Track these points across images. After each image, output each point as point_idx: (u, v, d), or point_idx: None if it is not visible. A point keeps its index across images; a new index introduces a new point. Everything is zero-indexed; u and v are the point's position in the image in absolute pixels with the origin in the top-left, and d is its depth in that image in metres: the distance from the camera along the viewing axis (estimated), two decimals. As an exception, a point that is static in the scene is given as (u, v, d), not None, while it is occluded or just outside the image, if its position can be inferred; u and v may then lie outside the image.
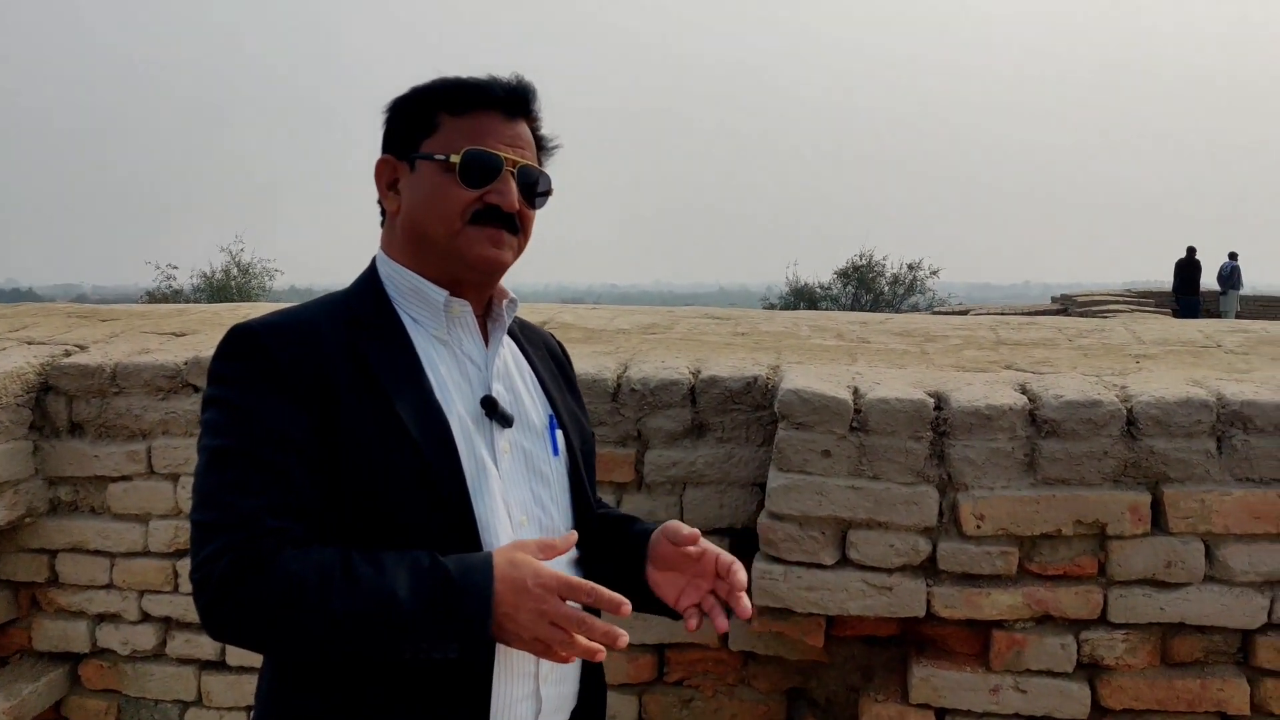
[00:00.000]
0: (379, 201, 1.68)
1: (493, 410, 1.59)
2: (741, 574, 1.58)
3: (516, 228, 1.62)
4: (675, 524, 1.64)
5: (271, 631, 1.38)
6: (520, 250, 1.66)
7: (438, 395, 1.55)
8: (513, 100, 1.64)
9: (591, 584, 1.40)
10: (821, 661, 3.06)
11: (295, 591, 1.35)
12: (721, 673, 3.17)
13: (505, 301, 1.70)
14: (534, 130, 1.68)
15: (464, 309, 1.63)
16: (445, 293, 1.61)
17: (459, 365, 1.62)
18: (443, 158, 1.58)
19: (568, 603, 1.38)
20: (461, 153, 1.57)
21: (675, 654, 3.19)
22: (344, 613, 1.35)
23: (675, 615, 1.67)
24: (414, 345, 1.59)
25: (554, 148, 1.73)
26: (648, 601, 1.67)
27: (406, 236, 1.63)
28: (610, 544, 1.74)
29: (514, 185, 1.60)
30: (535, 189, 1.65)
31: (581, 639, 1.37)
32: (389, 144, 1.66)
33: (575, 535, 1.54)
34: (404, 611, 1.36)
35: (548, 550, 1.46)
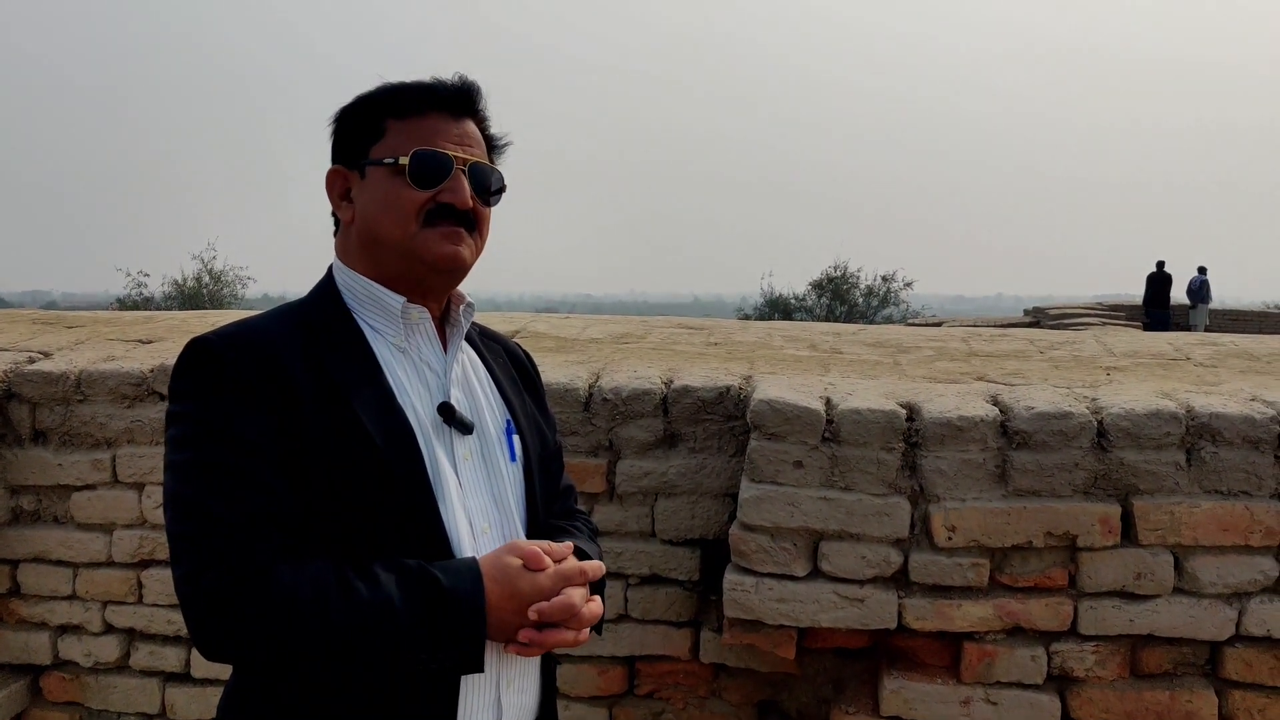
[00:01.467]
0: (333, 213, 1.68)
1: (450, 417, 1.58)
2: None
3: (473, 225, 1.62)
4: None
5: (268, 646, 1.37)
6: (478, 250, 1.65)
7: (398, 400, 1.55)
8: (458, 99, 1.64)
9: (580, 566, 1.57)
10: (793, 674, 3.05)
11: (292, 605, 1.35)
12: (692, 685, 3.16)
13: (462, 306, 1.69)
14: (483, 129, 1.68)
15: (422, 315, 1.62)
16: (402, 299, 1.60)
17: (418, 372, 1.61)
18: (391, 161, 1.57)
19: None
20: (410, 154, 1.57)
21: (646, 666, 3.17)
22: (342, 626, 1.36)
23: None
24: (373, 352, 1.58)
25: (504, 145, 1.73)
26: None
27: (362, 243, 1.62)
28: None
29: (466, 183, 1.59)
30: (488, 187, 1.64)
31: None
32: (338, 154, 1.66)
33: (570, 546, 1.60)
34: (401, 623, 1.38)
35: (535, 561, 1.51)
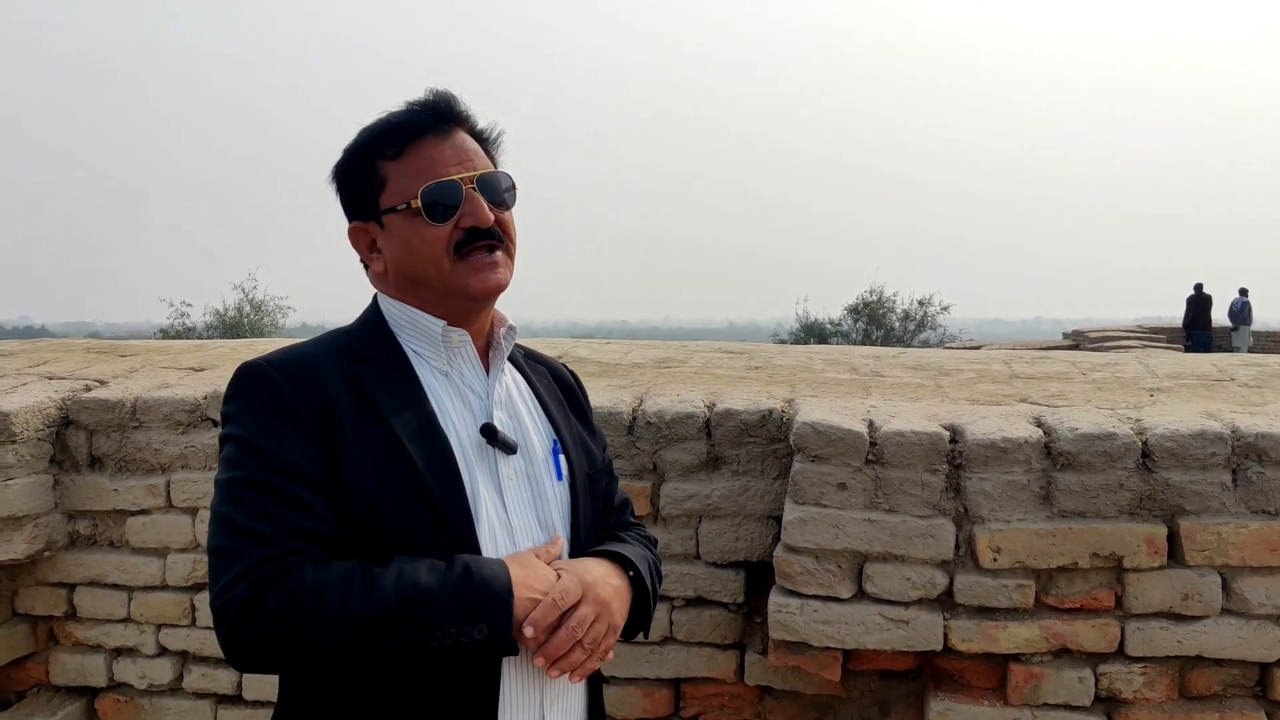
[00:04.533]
0: (361, 261, 1.71)
1: (493, 437, 1.60)
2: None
3: (501, 237, 1.64)
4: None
5: (296, 645, 1.38)
6: (513, 258, 1.67)
7: (440, 423, 1.58)
8: (438, 116, 1.64)
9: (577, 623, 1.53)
10: (838, 696, 3.05)
11: (317, 600, 1.37)
12: (738, 707, 3.17)
13: (503, 330, 1.71)
14: (473, 131, 1.68)
15: (463, 339, 1.65)
16: (442, 322, 1.63)
17: (460, 395, 1.64)
18: (404, 206, 1.60)
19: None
20: (419, 194, 1.59)
21: (691, 688, 3.18)
22: (367, 611, 1.38)
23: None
24: (416, 376, 1.61)
25: (498, 136, 1.72)
26: None
27: (401, 286, 1.65)
28: None
29: (481, 200, 1.60)
30: (500, 191, 1.65)
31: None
32: (351, 211, 1.68)
33: (560, 540, 1.64)
34: (429, 599, 1.40)
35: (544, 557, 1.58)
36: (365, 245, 1.68)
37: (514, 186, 1.69)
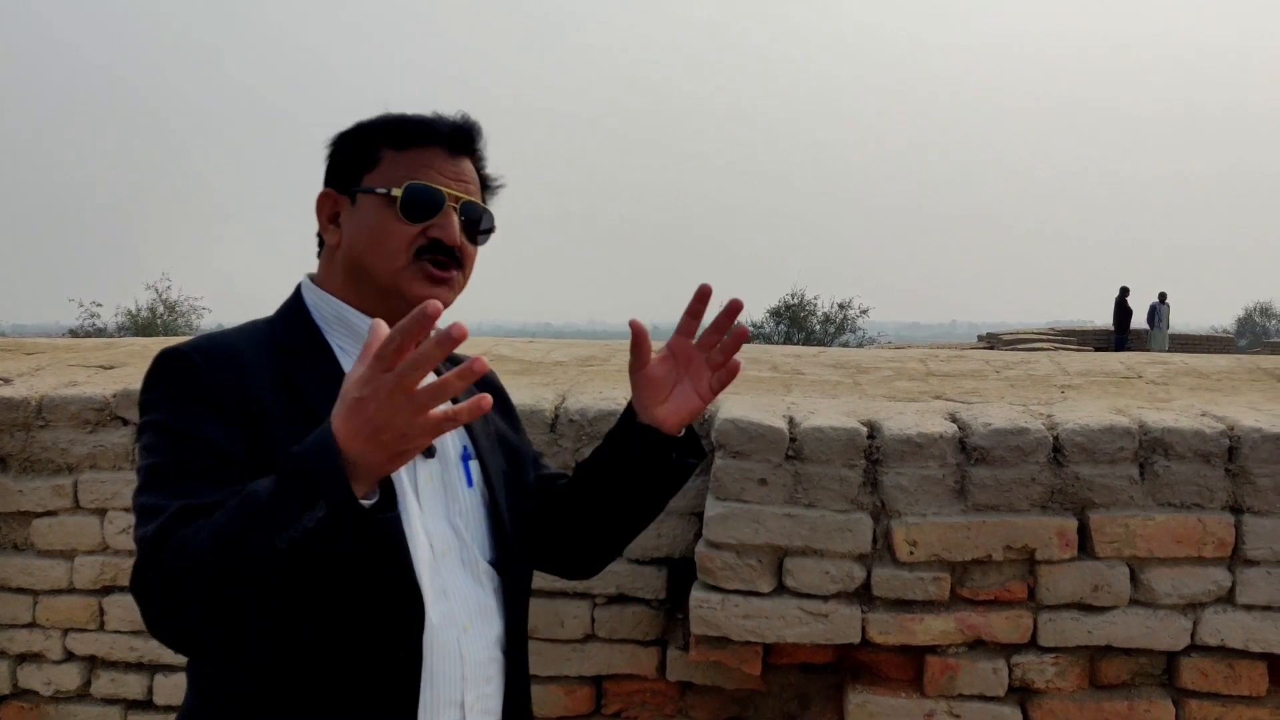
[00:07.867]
0: (318, 234, 1.69)
1: None
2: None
3: (460, 262, 1.63)
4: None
5: (178, 602, 1.30)
6: (461, 288, 1.67)
7: None
8: (457, 137, 1.65)
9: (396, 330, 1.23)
10: (759, 690, 3.07)
11: (180, 550, 1.29)
12: (659, 703, 3.17)
13: (432, 332, 1.69)
14: (478, 168, 1.70)
15: None
16: (370, 322, 1.60)
17: None
18: (384, 191, 1.58)
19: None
20: (404, 186, 1.58)
21: (613, 685, 3.18)
22: (214, 537, 1.27)
23: (698, 452, 1.75)
24: (342, 372, 1.57)
25: (498, 187, 1.75)
26: (655, 446, 1.70)
27: (346, 270, 1.63)
28: (589, 472, 1.78)
29: (456, 220, 1.61)
30: (478, 225, 1.66)
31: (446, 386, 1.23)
32: (331, 178, 1.67)
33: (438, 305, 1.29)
34: (260, 500, 1.26)
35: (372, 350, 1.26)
36: (327, 214, 1.66)
37: (492, 230, 1.70)
